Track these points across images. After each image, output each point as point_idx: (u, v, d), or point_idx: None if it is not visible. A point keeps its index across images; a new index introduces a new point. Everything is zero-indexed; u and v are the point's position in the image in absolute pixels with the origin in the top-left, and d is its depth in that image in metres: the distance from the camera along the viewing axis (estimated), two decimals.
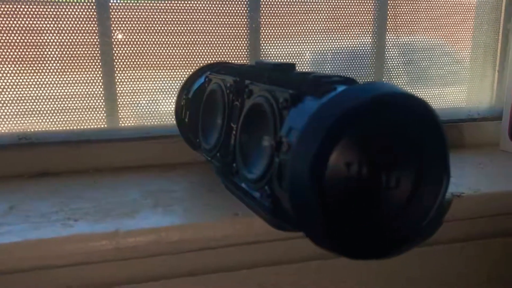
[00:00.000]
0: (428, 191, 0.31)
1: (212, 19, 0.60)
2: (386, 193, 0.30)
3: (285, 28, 0.64)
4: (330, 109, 0.27)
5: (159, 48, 0.59)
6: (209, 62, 0.60)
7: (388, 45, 0.69)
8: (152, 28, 0.59)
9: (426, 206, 0.31)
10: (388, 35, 0.69)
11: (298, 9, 0.64)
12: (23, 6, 0.54)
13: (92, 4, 0.56)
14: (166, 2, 0.59)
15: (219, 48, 0.61)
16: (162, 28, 0.59)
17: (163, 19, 0.59)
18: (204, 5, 0.60)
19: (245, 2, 0.61)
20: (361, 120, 0.27)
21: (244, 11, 0.61)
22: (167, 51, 0.60)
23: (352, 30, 0.67)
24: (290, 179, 0.28)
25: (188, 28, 0.60)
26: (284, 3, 0.63)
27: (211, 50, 0.61)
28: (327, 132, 0.26)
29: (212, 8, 0.60)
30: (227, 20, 0.61)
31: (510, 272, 0.57)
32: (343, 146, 0.27)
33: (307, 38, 0.65)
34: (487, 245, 0.55)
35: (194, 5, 0.60)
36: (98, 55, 0.58)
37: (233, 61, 0.62)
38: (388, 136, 0.29)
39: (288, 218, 0.33)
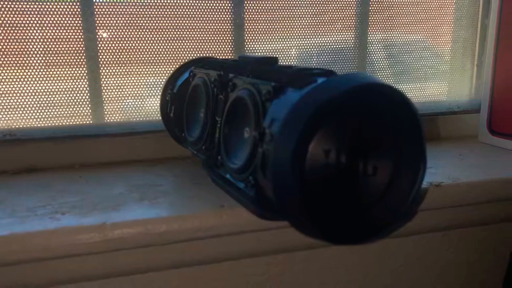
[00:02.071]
0: (406, 177, 0.32)
1: (196, 15, 0.61)
2: (366, 180, 0.31)
3: (269, 24, 0.65)
4: (310, 100, 0.28)
5: (143, 44, 0.60)
6: (193, 57, 0.61)
7: (370, 40, 0.70)
8: (137, 23, 0.59)
9: (404, 193, 0.32)
10: (370, 30, 0.70)
11: (281, 4, 0.65)
12: (7, 2, 0.54)
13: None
14: None
15: (203, 43, 0.62)
16: (147, 23, 0.59)
17: (148, 15, 0.59)
18: (188, 0, 0.60)
19: None
20: (340, 109, 0.28)
21: (228, 7, 0.62)
22: (152, 46, 0.60)
23: (335, 25, 0.68)
24: (273, 167, 0.29)
25: (172, 24, 0.60)
26: None
27: (196, 46, 0.62)
28: (307, 121, 0.27)
29: (196, 3, 0.61)
30: (211, 15, 0.62)
31: (490, 259, 0.59)
32: (323, 135, 0.28)
33: (291, 34, 0.66)
34: (467, 233, 0.57)
35: (178, 0, 0.60)
36: (82, 50, 0.58)
37: (217, 56, 0.63)
38: (367, 125, 0.30)
39: (272, 207, 0.34)
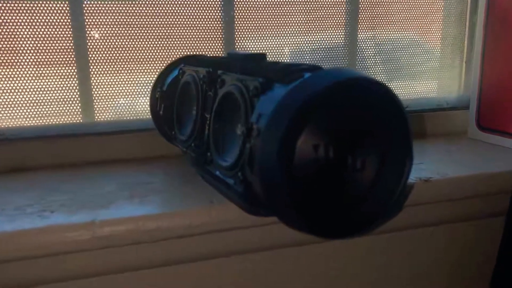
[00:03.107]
0: (392, 173, 0.32)
1: (186, 12, 0.61)
2: (353, 174, 0.31)
3: (258, 21, 0.65)
4: (296, 95, 0.29)
5: (134, 42, 0.60)
6: (183, 55, 0.61)
7: (360, 37, 0.71)
8: (126, 21, 0.59)
9: (390, 188, 0.32)
10: (360, 27, 0.71)
11: (271, 2, 0.65)
12: None
13: None
14: None
15: (193, 41, 0.62)
16: (136, 21, 0.59)
17: (137, 12, 0.59)
18: None
19: None
20: (326, 104, 0.28)
21: (218, 4, 0.62)
22: (142, 44, 0.60)
23: (325, 23, 0.69)
24: (260, 163, 0.29)
25: (162, 21, 0.60)
26: None
27: (186, 43, 0.62)
28: (293, 115, 0.27)
29: (185, 1, 0.61)
30: (201, 13, 0.62)
31: (479, 253, 0.59)
32: (310, 129, 0.28)
33: (281, 31, 0.67)
34: (456, 227, 0.57)
35: None
36: (72, 49, 0.58)
37: (208, 54, 0.63)
38: (353, 120, 0.31)
39: (261, 203, 0.34)
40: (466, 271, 0.59)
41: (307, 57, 0.69)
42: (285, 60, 0.68)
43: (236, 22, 0.64)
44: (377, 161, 0.32)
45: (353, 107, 0.30)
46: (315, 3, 0.67)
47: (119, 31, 0.59)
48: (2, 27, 0.54)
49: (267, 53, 0.66)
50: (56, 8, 0.56)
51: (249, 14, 0.64)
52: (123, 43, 0.59)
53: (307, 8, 0.67)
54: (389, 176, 0.32)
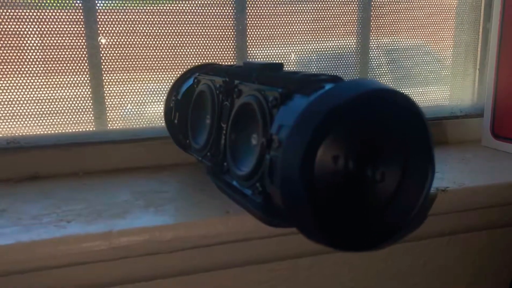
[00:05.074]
0: (414, 184, 0.32)
1: (199, 21, 0.61)
2: (374, 186, 0.31)
3: (271, 30, 0.65)
4: (318, 106, 0.28)
5: (146, 50, 0.60)
6: (196, 63, 0.61)
7: (372, 45, 0.70)
8: (140, 30, 0.59)
9: (412, 199, 0.32)
10: (372, 35, 0.70)
11: (283, 10, 0.65)
12: (10, 11, 0.54)
13: (79, 7, 0.56)
14: (153, 4, 0.59)
15: (206, 49, 0.62)
16: (149, 30, 0.59)
17: (150, 21, 0.59)
18: (190, 7, 0.60)
19: (232, 4, 0.62)
20: (348, 116, 0.28)
21: (231, 13, 0.62)
22: (155, 53, 0.60)
23: (337, 31, 0.69)
24: (281, 174, 0.29)
25: (175, 30, 0.60)
26: (269, 5, 0.64)
27: (198, 52, 0.62)
28: (316, 128, 0.27)
29: (198, 10, 0.61)
30: (214, 21, 0.62)
31: (495, 263, 0.58)
32: (331, 141, 0.28)
33: (293, 39, 0.66)
34: (473, 237, 0.57)
35: (181, 7, 0.60)
36: (85, 58, 0.58)
37: (220, 62, 0.63)
38: (374, 131, 0.30)
39: (280, 214, 0.34)
40: (483, 281, 0.58)
41: (319, 64, 0.69)
42: (298, 68, 0.68)
43: (249, 30, 0.64)
44: (398, 172, 0.32)
45: (375, 118, 0.30)
46: (327, 12, 0.67)
47: (132, 40, 0.59)
48: (14, 37, 0.55)
49: (281, 61, 0.66)
50: (70, 17, 0.56)
51: (261, 22, 0.64)
52: (136, 51, 0.59)
53: (319, 16, 0.67)
54: (411, 186, 0.32)
